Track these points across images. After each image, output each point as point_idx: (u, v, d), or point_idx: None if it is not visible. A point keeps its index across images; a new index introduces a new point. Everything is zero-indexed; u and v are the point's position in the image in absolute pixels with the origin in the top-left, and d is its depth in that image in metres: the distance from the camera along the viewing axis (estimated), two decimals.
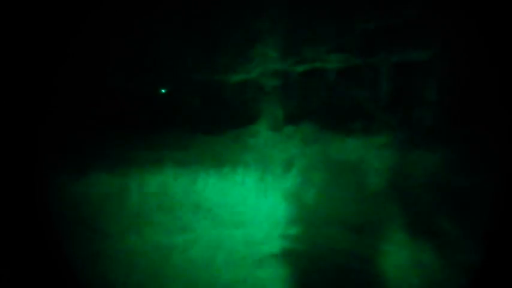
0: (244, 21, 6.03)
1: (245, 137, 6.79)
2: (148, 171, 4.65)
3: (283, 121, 6.84)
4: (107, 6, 4.66)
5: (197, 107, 6.57)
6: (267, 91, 6.87)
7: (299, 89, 7.09)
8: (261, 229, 3.94)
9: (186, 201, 4.42)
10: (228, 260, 3.34)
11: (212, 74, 6.39)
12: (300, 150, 6.12)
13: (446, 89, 6.98)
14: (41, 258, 2.46)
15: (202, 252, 3.47)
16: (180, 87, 6.11)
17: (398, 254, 3.33)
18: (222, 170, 5.00)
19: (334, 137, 6.61)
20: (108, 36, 5.21)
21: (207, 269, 3.19)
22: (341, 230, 3.94)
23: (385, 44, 6.78)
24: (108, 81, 5.46)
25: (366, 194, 4.98)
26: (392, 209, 4.36)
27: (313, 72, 7.05)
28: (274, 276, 3.07)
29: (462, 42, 6.37)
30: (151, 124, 5.61)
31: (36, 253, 2.46)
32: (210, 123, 6.63)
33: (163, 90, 5.98)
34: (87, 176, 4.32)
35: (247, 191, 4.60)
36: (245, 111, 6.86)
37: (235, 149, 6.14)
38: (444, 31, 6.33)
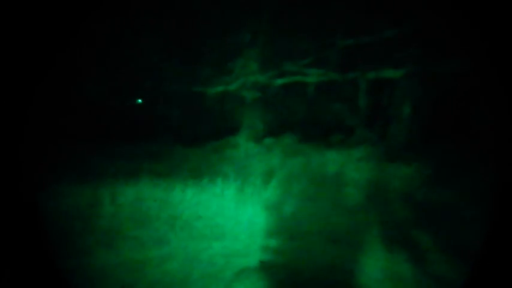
0: (224, 33, 6.08)
1: (225, 149, 6.73)
2: (122, 183, 4.49)
3: (263, 133, 6.86)
4: (85, 17, 4.58)
5: (176, 118, 6.49)
6: (247, 103, 6.90)
7: (279, 102, 7.16)
8: (239, 241, 3.87)
9: (162, 213, 4.30)
10: (205, 272, 3.24)
11: (192, 85, 6.37)
12: (280, 161, 6.12)
13: (420, 106, 7.24)
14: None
15: (178, 266, 3.35)
16: (159, 97, 6.04)
17: (375, 266, 3.31)
18: (200, 182, 4.91)
19: (314, 150, 6.66)
20: (85, 45, 5.12)
21: (183, 282, 3.08)
22: (320, 241, 3.92)
23: (363, 60, 6.98)
24: (83, 90, 5.32)
25: (345, 206, 5.00)
26: (370, 221, 4.39)
27: (293, 85, 7.17)
28: None
29: (436, 62, 6.66)
30: (127, 134, 5.46)
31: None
32: (189, 134, 6.56)
33: (139, 101, 5.89)
34: (57, 188, 4.12)
35: (226, 202, 4.53)
36: (225, 122, 6.84)
37: (215, 161, 6.07)
38: (419, 51, 6.61)
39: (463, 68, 5.65)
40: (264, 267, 3.37)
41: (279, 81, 6.57)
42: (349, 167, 6.34)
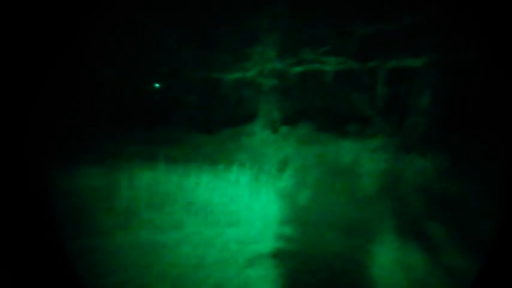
0: (242, 19, 5.99)
1: (240, 136, 6.74)
2: (139, 167, 4.57)
3: (279, 121, 6.83)
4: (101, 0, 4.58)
5: (193, 104, 6.51)
6: (264, 91, 6.85)
7: (296, 90, 7.07)
8: (253, 228, 3.90)
9: (178, 198, 4.36)
10: (219, 258, 3.28)
11: (209, 71, 6.34)
12: (295, 150, 6.10)
13: (438, 97, 7.05)
14: (37, 253, 2.39)
15: (192, 250, 3.40)
16: (176, 83, 6.04)
17: (387, 256, 3.32)
18: (216, 168, 4.95)
19: (330, 139, 6.60)
20: (102, 29, 5.13)
21: (197, 266, 3.13)
22: (333, 231, 3.92)
23: (382, 49, 6.80)
24: (101, 74, 5.37)
25: (359, 196, 4.98)
26: (383, 212, 4.37)
27: (311, 73, 7.05)
28: (265, 276, 3.02)
29: (456, 52, 6.44)
30: (144, 119, 5.53)
31: (32, 249, 2.39)
32: (205, 120, 6.58)
33: (157, 85, 5.91)
34: (75, 169, 4.21)
35: (241, 190, 4.56)
36: (241, 110, 6.82)
37: (230, 148, 6.08)
38: (439, 40, 6.39)
39: (484, 57, 5.47)
40: (277, 254, 3.39)
41: (297, 69, 6.49)
42: (365, 157, 6.28)
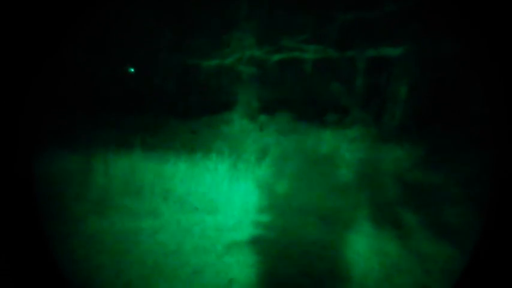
0: (221, 4, 5.85)
1: (219, 124, 6.66)
2: (114, 153, 4.42)
3: (258, 110, 6.78)
4: None
5: (170, 90, 6.34)
6: (243, 78, 6.76)
7: (275, 79, 7.04)
8: (232, 216, 3.87)
9: (155, 185, 4.27)
10: (197, 245, 3.23)
11: (186, 56, 6.19)
12: (274, 139, 6.09)
13: (416, 87, 7.20)
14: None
15: (170, 237, 3.34)
16: (152, 68, 5.85)
17: (362, 243, 3.39)
18: (193, 156, 4.87)
19: (309, 128, 6.63)
20: (75, 12, 4.87)
21: (175, 253, 3.07)
22: (311, 218, 3.97)
23: (362, 37, 6.84)
24: (72, 56, 5.10)
25: (337, 185, 5.05)
26: (360, 200, 4.47)
27: (290, 62, 7.03)
28: (243, 262, 3.01)
29: (434, 41, 6.55)
30: (119, 104, 5.32)
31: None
32: (182, 107, 6.45)
33: (132, 70, 5.70)
34: (47, 155, 4.02)
35: (220, 178, 4.50)
36: (219, 97, 6.72)
37: (209, 136, 5.99)
38: (419, 29, 6.47)
39: (462, 49, 5.59)
40: (255, 242, 3.39)
41: (276, 57, 6.44)
42: (343, 147, 6.37)
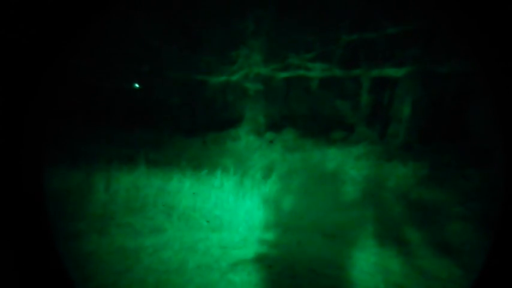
0: (228, 21, 5.91)
1: (225, 141, 6.62)
2: (117, 169, 4.37)
3: (264, 127, 6.75)
4: None
5: (176, 106, 6.35)
6: (249, 95, 6.78)
7: (282, 96, 7.07)
8: (237, 233, 3.80)
9: (159, 202, 4.21)
10: (201, 263, 3.15)
11: (193, 73, 6.22)
12: (280, 156, 6.04)
13: (418, 106, 7.22)
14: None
15: (174, 255, 3.25)
16: (158, 83, 5.87)
17: (367, 260, 3.34)
18: (199, 173, 4.84)
19: (314, 146, 6.59)
20: (80, 25, 4.94)
21: (179, 271, 2.98)
22: (316, 235, 3.92)
23: (366, 57, 6.92)
24: (77, 71, 5.10)
25: (341, 202, 5.02)
26: (364, 217, 4.43)
27: (297, 79, 7.07)
28: (248, 281, 2.92)
29: (435, 63, 6.62)
30: (124, 120, 5.29)
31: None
32: (188, 124, 6.43)
33: (137, 85, 5.72)
34: (48, 170, 3.95)
35: (225, 194, 4.46)
36: (226, 114, 6.72)
37: (214, 152, 5.95)
38: (420, 51, 6.56)
39: (464, 69, 5.63)
40: (260, 259, 3.31)
41: (282, 75, 6.47)
42: (348, 164, 6.34)
